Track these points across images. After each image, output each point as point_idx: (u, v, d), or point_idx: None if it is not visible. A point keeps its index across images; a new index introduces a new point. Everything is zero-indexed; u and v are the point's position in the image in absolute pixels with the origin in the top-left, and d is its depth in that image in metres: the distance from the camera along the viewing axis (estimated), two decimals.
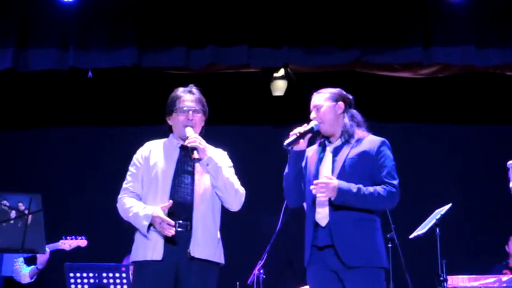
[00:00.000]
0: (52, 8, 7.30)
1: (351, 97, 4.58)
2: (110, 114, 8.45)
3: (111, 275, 6.32)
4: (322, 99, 4.50)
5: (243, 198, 4.46)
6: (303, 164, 4.49)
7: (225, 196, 4.38)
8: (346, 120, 4.47)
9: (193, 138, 4.32)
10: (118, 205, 4.45)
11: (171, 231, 4.20)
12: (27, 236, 4.96)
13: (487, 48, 7.27)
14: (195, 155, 4.28)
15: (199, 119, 4.46)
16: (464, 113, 8.38)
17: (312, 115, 4.49)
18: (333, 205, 4.28)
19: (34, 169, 8.15)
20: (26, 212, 4.98)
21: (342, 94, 4.56)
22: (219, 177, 4.33)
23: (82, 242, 7.10)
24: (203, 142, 4.35)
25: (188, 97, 4.47)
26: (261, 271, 6.60)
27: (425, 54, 7.34)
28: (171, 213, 4.26)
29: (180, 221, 4.26)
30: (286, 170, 4.48)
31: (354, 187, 4.24)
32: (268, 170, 7.97)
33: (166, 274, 4.23)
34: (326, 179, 4.24)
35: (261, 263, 6.54)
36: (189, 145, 4.31)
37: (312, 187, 4.27)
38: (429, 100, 8.35)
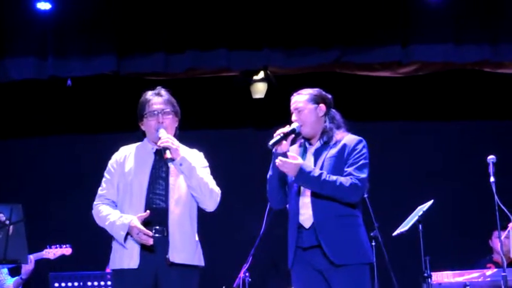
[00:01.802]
0: (29, 16, 7.26)
1: (330, 97, 4.60)
2: (90, 122, 8.42)
3: (96, 283, 6.31)
4: (303, 101, 4.51)
5: (219, 198, 4.42)
6: None
7: (200, 196, 4.35)
8: (327, 123, 4.49)
9: (166, 138, 4.29)
10: (93, 212, 4.42)
11: (149, 241, 4.18)
12: (9, 246, 4.93)
13: (464, 45, 7.30)
14: (168, 154, 4.25)
15: (170, 120, 4.42)
16: (445, 110, 8.42)
17: (293, 117, 4.50)
18: (316, 205, 4.30)
19: (14, 179, 8.10)
20: (7, 222, 4.95)
21: (322, 95, 4.57)
22: (193, 177, 4.30)
23: (67, 250, 7.07)
24: (176, 142, 4.32)
25: (156, 100, 4.42)
26: (247, 274, 6.59)
27: (404, 53, 7.36)
28: (147, 221, 4.22)
29: (157, 227, 4.23)
30: (270, 172, 4.49)
31: (316, 171, 4.27)
32: (250, 173, 7.96)
33: (145, 282, 4.20)
34: (291, 158, 4.29)
35: (246, 266, 6.54)
36: (161, 145, 4.28)
37: (277, 161, 4.29)
38: (409, 99, 8.37)
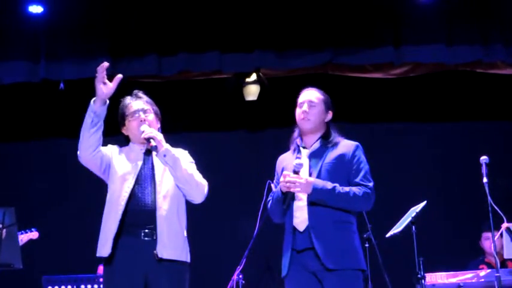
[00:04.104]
0: (21, 20, 7.25)
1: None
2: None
3: (89, 286, 6.28)
4: (319, 98, 4.55)
5: (206, 190, 4.44)
6: (280, 173, 4.54)
7: (186, 188, 4.37)
8: (331, 129, 4.53)
9: (149, 130, 4.36)
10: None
11: (101, 72, 4.27)
12: (2, 250, 4.92)
13: (456, 46, 7.32)
14: (152, 142, 4.30)
15: (152, 119, 4.48)
16: (437, 112, 8.43)
17: (304, 107, 4.49)
18: (311, 209, 4.31)
19: (6, 183, 8.07)
20: (0, 226, 4.93)
21: (331, 103, 4.60)
22: (177, 168, 4.33)
23: (33, 235, 6.89)
24: (160, 134, 4.38)
25: (136, 102, 4.51)
26: (240, 276, 6.58)
27: (396, 54, 7.37)
28: (136, 223, 4.24)
29: (146, 230, 4.25)
30: (276, 206, 4.47)
31: (329, 185, 4.28)
32: (243, 175, 7.98)
33: (134, 281, 4.20)
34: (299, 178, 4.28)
35: (239, 268, 6.53)
36: (145, 136, 4.33)
37: (281, 180, 4.31)
38: (401, 100, 8.38)
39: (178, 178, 4.35)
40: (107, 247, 4.23)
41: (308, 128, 4.51)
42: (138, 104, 4.49)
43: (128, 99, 4.54)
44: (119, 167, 4.39)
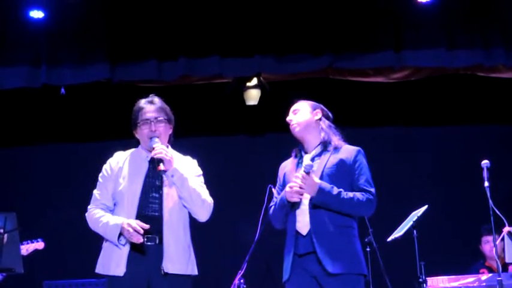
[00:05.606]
0: (22, 25, 7.25)
1: (330, 114, 4.64)
2: (84, 130, 8.41)
3: None
4: (302, 104, 4.60)
5: (211, 208, 4.42)
6: (282, 179, 4.56)
7: (191, 206, 4.35)
8: (324, 125, 4.52)
9: (159, 149, 4.29)
10: (87, 215, 4.41)
11: (139, 239, 4.16)
12: (4, 255, 4.91)
13: (457, 49, 7.31)
14: (161, 167, 4.26)
15: (163, 128, 4.43)
16: (438, 115, 8.43)
17: (289, 117, 4.57)
18: (313, 213, 4.32)
19: (7, 188, 8.08)
20: (2, 231, 4.93)
21: (321, 106, 4.64)
22: (184, 188, 4.30)
23: (39, 245, 6.91)
24: (169, 153, 4.33)
25: (149, 108, 4.43)
26: (242, 281, 6.58)
27: (397, 58, 7.37)
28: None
29: (149, 235, 4.23)
30: (278, 212, 4.49)
31: (335, 190, 4.29)
32: (244, 179, 7.98)
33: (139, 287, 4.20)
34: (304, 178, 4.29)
35: (241, 272, 6.53)
36: (155, 157, 4.29)
37: (290, 185, 4.32)
38: (402, 104, 8.38)
39: (185, 198, 4.33)
40: (121, 267, 4.21)
41: (299, 132, 4.54)
42: (151, 111, 4.42)
43: (142, 103, 4.47)
44: (124, 180, 4.36)
